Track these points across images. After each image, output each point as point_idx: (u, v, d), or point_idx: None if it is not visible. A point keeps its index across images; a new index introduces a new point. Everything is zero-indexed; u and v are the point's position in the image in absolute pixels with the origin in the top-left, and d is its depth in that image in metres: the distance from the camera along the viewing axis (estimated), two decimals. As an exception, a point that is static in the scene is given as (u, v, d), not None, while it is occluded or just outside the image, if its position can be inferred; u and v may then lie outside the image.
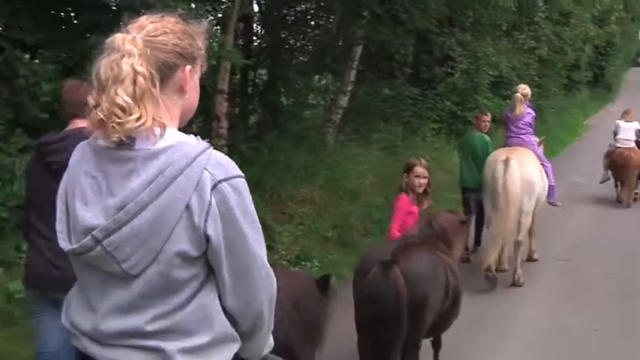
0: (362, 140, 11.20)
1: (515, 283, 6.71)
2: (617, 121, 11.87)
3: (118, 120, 1.46)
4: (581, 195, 13.20)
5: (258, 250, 1.62)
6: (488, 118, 7.89)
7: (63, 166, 1.71)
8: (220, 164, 1.54)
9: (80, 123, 2.79)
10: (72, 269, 1.70)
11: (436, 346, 4.44)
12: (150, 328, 1.54)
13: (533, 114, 7.30)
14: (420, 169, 4.71)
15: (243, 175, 1.58)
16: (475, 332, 5.51)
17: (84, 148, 1.62)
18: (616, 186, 11.93)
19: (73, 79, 3.35)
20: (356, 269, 4.05)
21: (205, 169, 1.51)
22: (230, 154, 6.29)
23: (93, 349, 1.60)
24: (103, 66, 1.51)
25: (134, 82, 1.48)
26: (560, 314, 6.16)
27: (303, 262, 6.87)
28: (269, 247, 6.32)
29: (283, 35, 11.47)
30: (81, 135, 1.68)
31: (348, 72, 11.41)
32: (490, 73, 14.66)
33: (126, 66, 1.48)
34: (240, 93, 10.00)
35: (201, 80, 1.74)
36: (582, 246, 8.93)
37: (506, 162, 6.37)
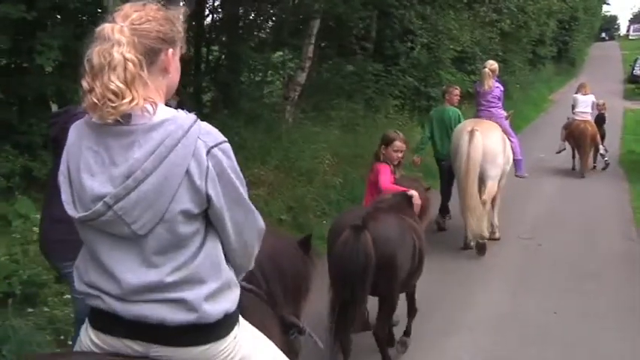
0: (321, 118, 10.82)
1: (492, 237, 7.29)
2: (575, 95, 12.31)
3: (112, 104, 1.63)
4: (545, 169, 13.13)
5: (247, 199, 1.84)
6: (457, 91, 8.09)
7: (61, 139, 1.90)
8: (209, 132, 1.74)
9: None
10: None
11: (411, 312, 4.72)
12: (169, 279, 1.72)
13: (502, 88, 7.55)
14: (399, 144, 5.05)
15: (227, 139, 1.77)
16: (432, 314, 5.23)
17: (81, 126, 1.76)
18: (573, 156, 12.45)
19: None
20: (330, 229, 4.36)
21: (198, 137, 1.69)
22: None
23: (116, 305, 1.73)
24: (95, 54, 1.66)
25: (125, 69, 1.64)
26: (520, 296, 5.93)
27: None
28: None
29: (240, 10, 10.97)
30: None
31: (306, 47, 10.96)
32: (452, 47, 14.33)
33: (117, 54, 1.64)
34: (191, 70, 9.49)
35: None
36: (545, 223, 8.76)
37: (472, 133, 6.69)
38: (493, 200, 7.22)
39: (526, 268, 6.81)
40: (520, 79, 23.91)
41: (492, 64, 7.55)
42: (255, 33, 10.85)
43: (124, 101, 1.63)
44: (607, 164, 12.76)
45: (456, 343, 4.88)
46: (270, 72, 11.83)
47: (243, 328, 1.96)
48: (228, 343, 1.85)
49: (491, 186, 6.93)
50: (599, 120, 12.90)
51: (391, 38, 14.17)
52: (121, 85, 1.63)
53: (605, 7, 63.58)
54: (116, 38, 1.65)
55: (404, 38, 13.28)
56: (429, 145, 8.14)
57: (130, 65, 1.65)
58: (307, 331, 2.75)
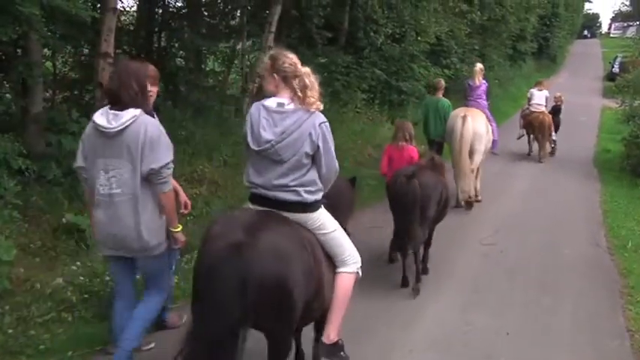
0: (280, 112, 10.24)
1: (475, 199, 9.04)
2: (531, 90, 14.03)
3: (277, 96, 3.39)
4: (516, 168, 12.73)
5: (333, 151, 3.42)
6: (444, 83, 9.68)
7: None
8: (319, 116, 3.33)
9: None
10: None
11: (427, 244, 6.25)
12: (292, 183, 3.34)
13: (487, 84, 9.61)
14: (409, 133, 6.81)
15: (326, 120, 3.36)
16: (370, 333, 4.71)
17: (259, 106, 3.35)
18: (529, 142, 14.00)
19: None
20: (392, 178, 6.07)
21: (314, 118, 3.30)
22: None
23: (263, 191, 3.36)
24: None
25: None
26: (471, 312, 5.37)
27: (179, 257, 5.85)
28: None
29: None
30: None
31: (266, 36, 10.33)
32: (425, 40, 13.80)
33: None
34: (133, 58, 8.85)
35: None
36: (510, 226, 8.29)
37: (464, 118, 8.64)
38: (477, 170, 9.07)
39: (482, 279, 6.27)
40: (499, 74, 23.48)
41: (480, 65, 9.71)
42: (208, 20, 10.17)
43: (275, 92, 3.36)
44: (553, 150, 14.22)
45: (391, 370, 4.34)
46: (218, 62, 11.18)
47: (324, 211, 3.55)
48: (316, 214, 3.48)
49: (478, 158, 8.85)
50: (555, 111, 14.30)
51: (362, 29, 13.62)
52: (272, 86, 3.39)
53: (587, 5, 63.74)
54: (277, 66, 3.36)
55: (367, 28, 12.68)
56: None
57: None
58: (350, 233, 3.94)
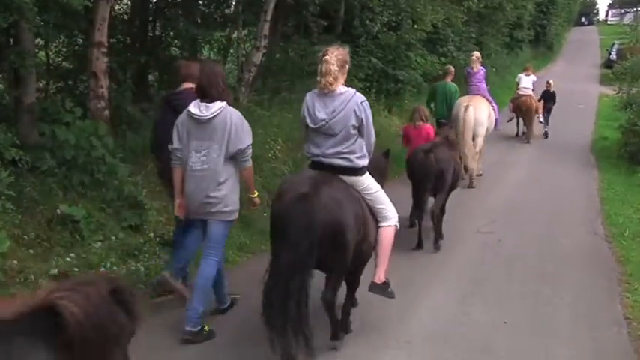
0: (276, 101, 10.16)
1: (477, 174, 10.16)
2: (520, 75, 14.87)
3: (330, 86, 4.07)
4: (514, 155, 12.71)
5: (372, 124, 4.29)
6: (453, 69, 10.68)
7: (183, 107, 4.33)
8: (360, 96, 4.15)
9: (187, 85, 4.87)
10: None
11: (442, 211, 6.98)
12: (344, 150, 4.14)
13: (484, 70, 10.76)
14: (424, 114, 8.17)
15: (366, 98, 4.24)
16: (366, 325, 4.69)
17: (313, 94, 4.19)
18: (517, 124, 14.89)
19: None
20: (411, 155, 7.10)
21: (357, 98, 4.11)
22: (113, 118, 5.13)
23: (321, 159, 4.21)
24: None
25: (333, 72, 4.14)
26: (469, 302, 5.36)
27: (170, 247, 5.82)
28: (137, 228, 5.29)
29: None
30: (190, 91, 4.57)
31: (261, 25, 10.22)
32: (421, 28, 13.70)
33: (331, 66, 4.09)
34: (128, 48, 8.76)
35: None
36: (508, 214, 8.30)
37: (466, 107, 9.71)
38: (480, 151, 10.19)
39: (480, 268, 6.26)
40: (496, 62, 23.37)
41: (477, 54, 11.09)
42: (202, 9, 10.04)
43: (334, 84, 4.08)
44: (546, 133, 15.12)
45: (388, 361, 4.31)
46: (213, 51, 11.07)
47: (369, 175, 4.35)
48: (363, 177, 4.30)
49: (480, 141, 9.98)
50: (546, 96, 15.18)
51: (360, 17, 13.50)
52: (332, 79, 4.06)
53: (584, -8, 63.49)
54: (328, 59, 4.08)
55: (363, 16, 12.57)
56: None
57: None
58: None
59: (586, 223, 8.11)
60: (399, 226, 4.53)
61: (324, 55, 4.07)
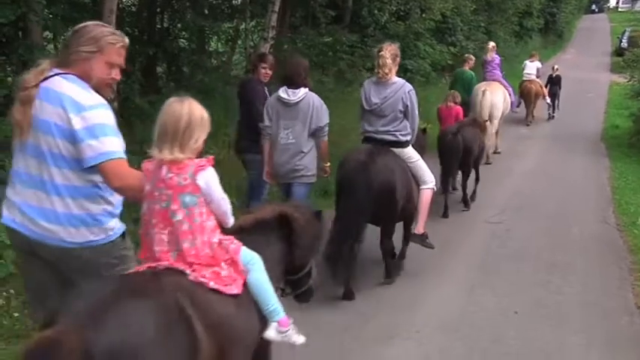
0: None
1: (495, 151, 11.21)
2: (525, 61, 15.44)
3: (387, 76, 5.15)
4: (523, 145, 12.64)
5: (417, 109, 5.31)
6: (473, 58, 11.30)
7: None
8: (408, 85, 5.21)
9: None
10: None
11: (477, 179, 8.43)
12: (392, 129, 5.21)
13: (499, 58, 11.52)
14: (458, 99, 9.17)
15: (412, 88, 5.28)
16: (375, 315, 4.71)
17: (369, 82, 5.29)
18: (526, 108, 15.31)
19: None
20: (441, 134, 7.91)
21: (406, 87, 5.17)
22: (122, 111, 5.20)
23: (373, 135, 5.26)
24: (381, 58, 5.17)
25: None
26: (479, 292, 5.34)
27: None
28: (136, 221, 5.31)
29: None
30: (252, 81, 5.88)
31: (269, 16, 10.21)
32: (430, 18, 13.63)
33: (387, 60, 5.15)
34: (136, 40, 8.75)
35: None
36: (517, 204, 8.23)
37: (484, 92, 10.52)
38: (497, 131, 11.08)
39: (489, 258, 6.23)
40: (505, 51, 23.16)
41: (492, 43, 11.93)
42: (210, 0, 10.01)
43: (389, 75, 5.13)
44: (550, 116, 16.02)
45: (398, 351, 4.29)
46: (221, 42, 11.06)
47: (411, 148, 5.34)
48: (406, 149, 5.31)
49: (496, 122, 10.77)
50: (551, 82, 15.79)
51: (366, 6, 13.45)
52: (387, 70, 5.11)
53: (594, -21, 62.91)
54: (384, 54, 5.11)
55: (371, 6, 12.52)
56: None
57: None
58: None
59: (597, 212, 8.06)
60: (435, 188, 5.60)
61: (380, 51, 5.13)
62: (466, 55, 12.05)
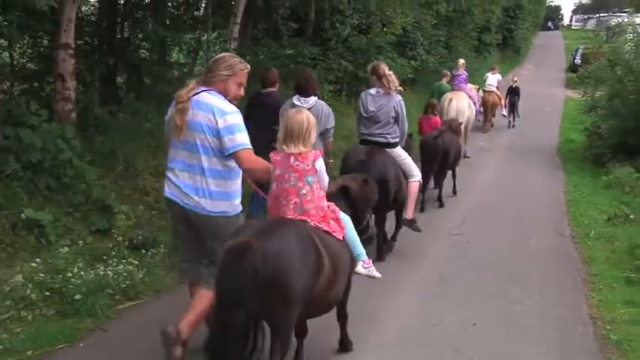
0: (246, 104, 10.08)
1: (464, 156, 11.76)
2: (487, 73, 16.97)
3: (389, 92, 6.24)
4: (482, 158, 12.85)
5: (405, 116, 6.47)
6: (449, 74, 13.18)
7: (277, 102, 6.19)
8: (397, 96, 6.28)
9: (273, 88, 6.50)
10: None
11: (453, 175, 9.68)
12: (384, 132, 6.25)
13: (466, 74, 13.16)
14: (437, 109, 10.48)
15: (402, 98, 6.44)
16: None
17: (366, 93, 6.29)
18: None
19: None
20: (424, 138, 9.04)
21: (396, 98, 6.25)
22: (80, 121, 5.10)
23: (368, 137, 6.28)
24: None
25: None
26: (439, 304, 5.37)
27: (143, 250, 5.74)
28: (105, 232, 5.20)
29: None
30: (273, 92, 6.45)
31: (231, 28, 10.18)
32: (391, 32, 13.81)
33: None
34: (95, 49, 8.62)
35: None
36: (477, 216, 8.38)
37: (450, 100, 11.95)
38: (465, 135, 12.14)
39: (450, 270, 6.30)
40: (466, 65, 23.60)
41: (462, 60, 13.61)
42: (172, 10, 9.95)
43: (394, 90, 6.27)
44: (511, 125, 17.58)
45: (358, 364, 4.30)
46: (183, 53, 10.99)
47: (400, 148, 6.44)
48: (396, 149, 6.36)
49: (462, 128, 11.09)
50: (511, 92, 17.33)
51: (330, 20, 13.54)
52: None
53: (549, -3, 64.75)
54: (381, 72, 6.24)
55: (333, 19, 12.63)
56: None
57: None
58: None
59: (553, 224, 8.24)
60: (421, 182, 6.66)
61: (380, 68, 6.25)
62: (443, 71, 13.96)
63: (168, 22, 9.45)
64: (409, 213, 6.55)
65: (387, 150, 6.27)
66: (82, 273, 4.97)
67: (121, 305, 4.97)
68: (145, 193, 6.87)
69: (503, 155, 13.67)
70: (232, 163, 3.71)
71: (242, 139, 3.65)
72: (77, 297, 4.70)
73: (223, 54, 4.07)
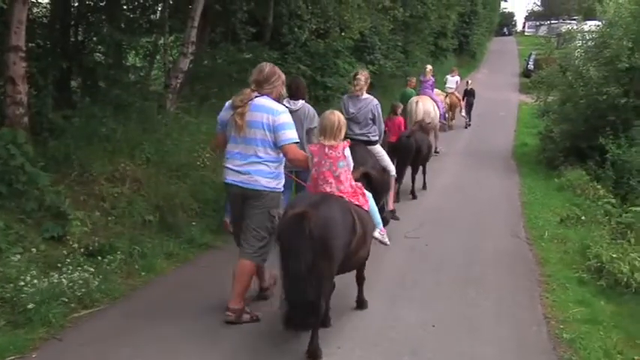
0: (205, 108, 10.01)
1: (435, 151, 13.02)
2: (447, 76, 18.20)
3: (359, 92, 7.23)
4: (440, 161, 13.01)
5: (382, 116, 7.69)
6: (414, 80, 14.19)
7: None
8: (375, 99, 7.36)
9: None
10: None
11: (424, 172, 10.52)
12: (365, 132, 7.29)
13: (433, 80, 14.09)
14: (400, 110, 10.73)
15: (378, 102, 7.52)
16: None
17: (347, 96, 7.49)
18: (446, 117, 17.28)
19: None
20: (397, 138, 9.81)
21: (374, 101, 7.30)
22: (33, 125, 4.93)
23: (352, 136, 6.83)
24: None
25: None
26: (399, 306, 5.45)
27: (99, 257, 5.63)
28: (60, 239, 5.05)
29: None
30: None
31: (189, 32, 10.06)
32: (349, 36, 13.90)
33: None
34: (48, 52, 8.42)
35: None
36: (434, 219, 8.50)
37: (417, 103, 12.54)
38: (435, 132, 13.48)
39: (409, 272, 6.38)
40: (422, 70, 23.92)
41: (430, 67, 14.51)
42: (127, 14, 9.80)
43: (361, 92, 7.21)
44: (467, 124, 19.02)
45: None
46: (139, 57, 10.83)
47: (379, 146, 7.59)
48: (376, 147, 7.45)
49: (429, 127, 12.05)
50: (467, 94, 18.99)
51: (286, 24, 13.53)
52: (359, 89, 7.22)
53: (503, 4, 66.21)
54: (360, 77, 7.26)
55: (291, 24, 12.64)
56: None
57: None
58: None
59: (509, 227, 8.42)
60: (396, 176, 7.95)
61: (357, 75, 7.27)
62: (408, 77, 15.08)
63: (123, 25, 9.26)
64: (390, 204, 7.60)
65: (368, 147, 7.23)
66: (35, 281, 4.83)
67: (76, 313, 4.86)
68: (101, 199, 6.71)
69: (460, 159, 13.90)
70: (280, 153, 4.67)
71: (289, 134, 4.63)
72: (30, 306, 4.57)
73: (269, 65, 4.92)
